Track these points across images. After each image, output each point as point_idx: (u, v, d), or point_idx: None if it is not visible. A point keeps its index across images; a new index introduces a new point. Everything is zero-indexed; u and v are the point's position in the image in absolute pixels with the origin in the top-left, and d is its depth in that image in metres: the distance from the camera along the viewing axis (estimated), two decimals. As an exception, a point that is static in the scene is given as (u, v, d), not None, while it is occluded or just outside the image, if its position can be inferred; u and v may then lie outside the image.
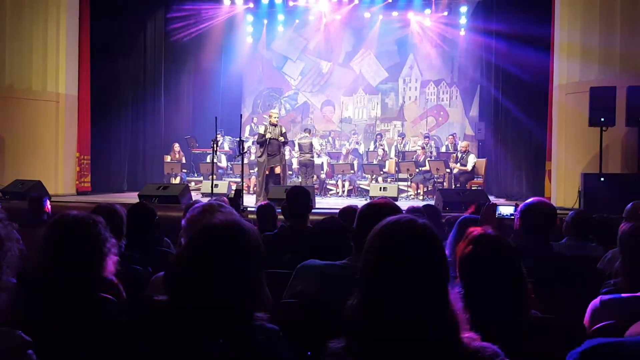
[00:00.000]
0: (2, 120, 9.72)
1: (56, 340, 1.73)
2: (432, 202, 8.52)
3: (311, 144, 10.87)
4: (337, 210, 4.25)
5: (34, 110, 10.00)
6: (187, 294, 1.39)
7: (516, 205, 4.20)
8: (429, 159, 11.60)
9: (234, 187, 11.37)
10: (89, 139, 10.87)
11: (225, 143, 13.65)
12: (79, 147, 10.67)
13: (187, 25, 13.16)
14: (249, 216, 5.76)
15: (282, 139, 9.35)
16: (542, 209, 2.77)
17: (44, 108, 10.12)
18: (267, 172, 9.35)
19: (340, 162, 12.42)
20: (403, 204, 5.36)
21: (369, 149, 13.64)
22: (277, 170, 9.40)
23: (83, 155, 10.74)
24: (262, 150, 9.44)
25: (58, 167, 10.25)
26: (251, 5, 14.41)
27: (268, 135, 9.30)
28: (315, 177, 11.34)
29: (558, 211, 3.01)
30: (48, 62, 10.09)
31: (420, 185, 11.36)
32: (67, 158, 10.38)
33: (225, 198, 5.21)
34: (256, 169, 10.36)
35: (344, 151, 13.09)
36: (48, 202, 5.52)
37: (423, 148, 12.07)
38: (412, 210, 3.60)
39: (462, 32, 14.05)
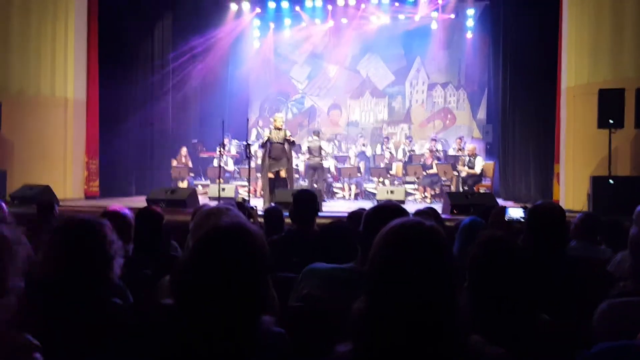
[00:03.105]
0: (11, 125, 9.78)
1: (63, 344, 1.73)
2: (440, 205, 8.50)
3: (320, 147, 10.86)
4: (345, 214, 4.24)
5: (43, 114, 10.07)
6: (193, 297, 1.39)
7: (525, 208, 4.18)
8: (436, 162, 11.57)
9: (240, 190, 11.41)
10: (97, 143, 10.93)
11: (232, 147, 13.68)
12: (88, 151, 10.72)
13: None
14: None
15: (289, 143, 9.31)
16: (550, 212, 2.75)
17: (53, 112, 10.18)
18: (271, 176, 9.33)
19: (347, 165, 12.41)
20: (410, 207, 5.34)
21: (375, 152, 13.62)
22: (282, 174, 9.38)
23: (91, 159, 10.79)
24: (264, 153, 9.44)
25: (66, 172, 10.30)
26: (258, 10, 14.46)
27: (267, 136, 9.31)
28: (324, 179, 11.34)
29: (567, 214, 2.99)
30: (56, 66, 10.16)
31: (428, 189, 11.33)
32: (75, 162, 10.43)
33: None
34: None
35: (351, 154, 13.07)
36: (57, 208, 5.55)
37: (431, 151, 12.04)
38: (419, 212, 3.59)
39: (470, 35, 14.04)
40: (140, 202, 8.59)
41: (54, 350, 1.58)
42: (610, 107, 7.64)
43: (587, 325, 1.98)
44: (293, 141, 9.50)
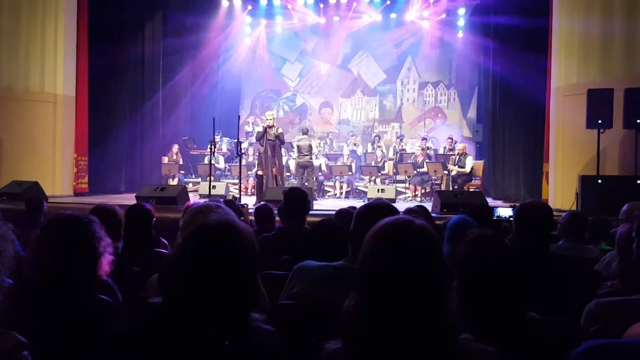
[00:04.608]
0: (-1, 121, 9.71)
1: (52, 342, 1.72)
2: (430, 204, 8.53)
3: (310, 146, 10.85)
4: (334, 212, 4.24)
5: (32, 111, 9.98)
6: (182, 295, 1.38)
7: (514, 207, 4.21)
8: (427, 160, 11.61)
9: (231, 188, 11.38)
10: (86, 140, 10.86)
11: (223, 144, 13.65)
12: (77, 148, 10.65)
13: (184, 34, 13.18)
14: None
15: (280, 140, 9.37)
16: (537, 209, 2.77)
17: (42, 109, 10.10)
18: (261, 173, 9.38)
19: (339, 163, 12.42)
20: (401, 206, 5.35)
21: (367, 150, 13.64)
22: (274, 171, 9.40)
23: (80, 156, 10.71)
24: (264, 150, 9.46)
25: (55, 168, 10.22)
26: (250, 7, 14.42)
27: (264, 127, 9.34)
28: (314, 178, 11.33)
29: (556, 213, 3.01)
30: (46, 62, 10.07)
31: (418, 187, 11.36)
32: (64, 159, 10.35)
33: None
34: (254, 170, 10.35)
35: (344, 152, 13.07)
36: (45, 204, 5.52)
37: (423, 150, 12.06)
38: (409, 211, 3.59)
39: (460, 34, 14.08)
40: (130, 199, 8.54)
41: (43, 349, 1.56)
42: (599, 107, 7.70)
43: (575, 324, 2.00)
44: (281, 142, 9.53)
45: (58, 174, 10.24)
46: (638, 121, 7.50)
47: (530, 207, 2.80)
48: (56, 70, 10.16)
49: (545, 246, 2.78)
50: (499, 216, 6.37)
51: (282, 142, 9.65)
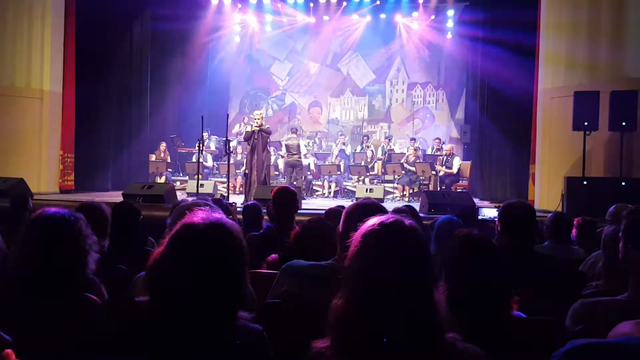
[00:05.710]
0: (-16, 117, 9.59)
1: (37, 340, 1.70)
2: (418, 204, 8.57)
3: (298, 145, 10.84)
4: (323, 211, 4.24)
5: (18, 107, 9.86)
6: (169, 294, 1.37)
7: (499, 208, 4.24)
8: (419, 161, 11.65)
9: (219, 187, 11.34)
10: (73, 137, 10.75)
11: (212, 143, 13.58)
12: (63, 145, 10.54)
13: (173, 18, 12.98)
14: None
15: (266, 133, 9.37)
16: (520, 208, 2.80)
17: (28, 105, 9.98)
18: (247, 172, 9.38)
19: (327, 163, 12.42)
20: (389, 205, 5.37)
21: (355, 150, 13.67)
22: (259, 169, 9.42)
23: (67, 153, 10.61)
24: (252, 148, 9.45)
25: (41, 165, 10.11)
26: (239, 5, 14.36)
27: (253, 127, 9.33)
28: (303, 177, 11.32)
29: (542, 214, 3.04)
30: (32, 58, 9.96)
31: (406, 187, 11.41)
32: (50, 156, 10.25)
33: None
34: (242, 169, 10.33)
35: (334, 151, 13.07)
36: (30, 201, 5.45)
37: (415, 150, 12.06)
38: (397, 210, 3.60)
39: (449, 36, 14.14)
40: (116, 197, 8.47)
41: (27, 347, 1.55)
42: (585, 109, 7.78)
43: (560, 323, 2.01)
44: (267, 133, 9.53)
45: (44, 171, 10.13)
46: (623, 124, 7.59)
47: (513, 207, 2.83)
48: (43, 66, 10.05)
49: (530, 246, 2.81)
50: (484, 217, 6.42)
51: (268, 134, 9.59)
